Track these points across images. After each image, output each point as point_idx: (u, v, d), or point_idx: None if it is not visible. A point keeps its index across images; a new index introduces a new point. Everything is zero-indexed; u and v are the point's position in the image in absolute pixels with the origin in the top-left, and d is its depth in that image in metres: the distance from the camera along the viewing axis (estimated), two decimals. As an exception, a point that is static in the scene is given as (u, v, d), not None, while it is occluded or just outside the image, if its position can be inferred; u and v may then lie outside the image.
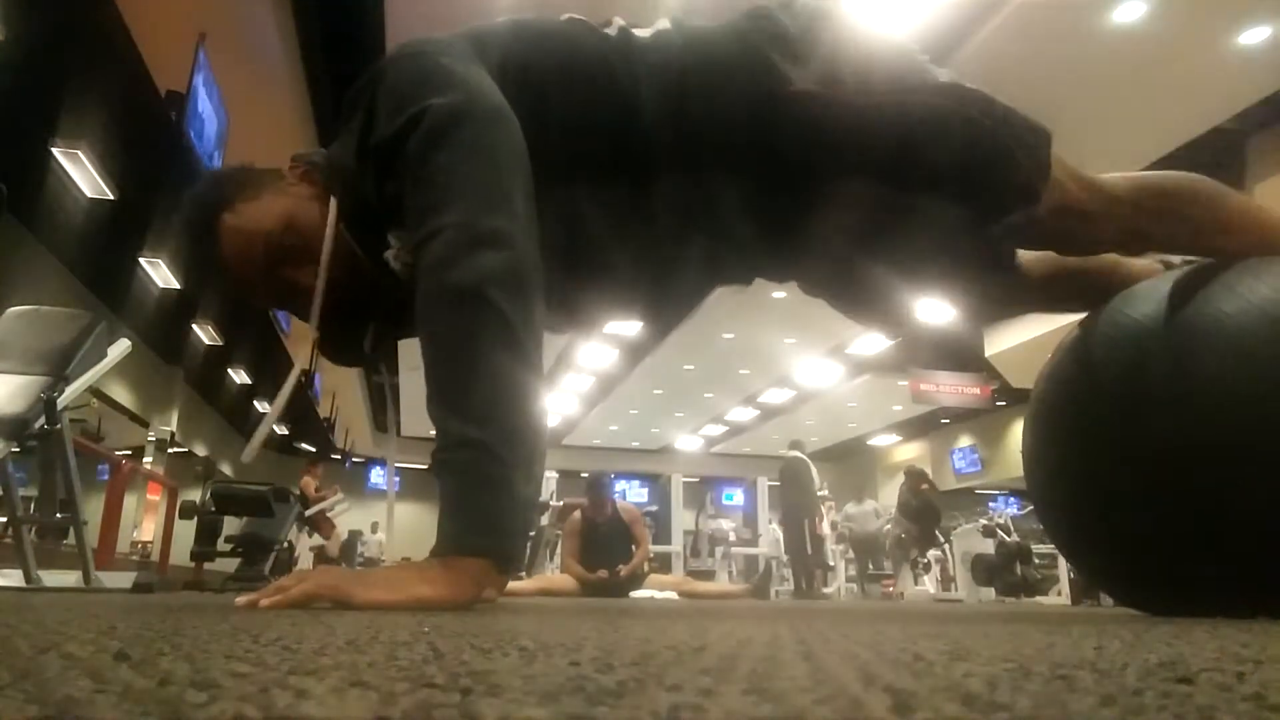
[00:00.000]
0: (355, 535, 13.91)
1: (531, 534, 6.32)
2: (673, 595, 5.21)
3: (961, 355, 12.89)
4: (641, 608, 1.93)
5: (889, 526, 10.25)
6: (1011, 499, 16.16)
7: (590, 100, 1.20)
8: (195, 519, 5.39)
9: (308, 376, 14.18)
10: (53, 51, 6.07)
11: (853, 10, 1.29)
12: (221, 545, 5.36)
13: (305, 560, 8.15)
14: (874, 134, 1.21)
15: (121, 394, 9.47)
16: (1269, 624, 0.95)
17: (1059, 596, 8.50)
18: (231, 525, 5.47)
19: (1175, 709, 0.27)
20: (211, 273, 1.25)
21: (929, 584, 10.46)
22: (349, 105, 1.18)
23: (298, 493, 6.61)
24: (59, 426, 2.72)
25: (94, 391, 6.27)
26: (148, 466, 9.63)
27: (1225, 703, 0.28)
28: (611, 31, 1.26)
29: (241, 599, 0.95)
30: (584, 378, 15.41)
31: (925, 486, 9.83)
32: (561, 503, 7.92)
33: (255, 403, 14.43)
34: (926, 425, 18.42)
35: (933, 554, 10.19)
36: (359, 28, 6.91)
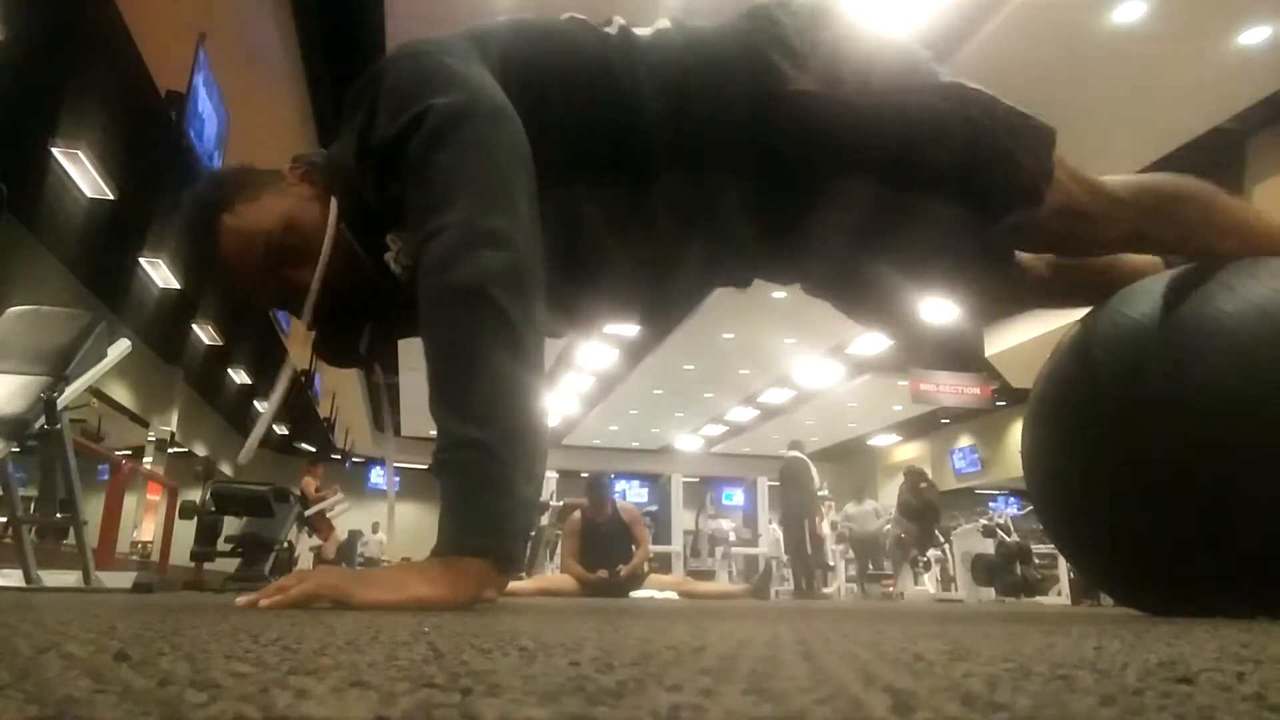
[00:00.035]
0: (355, 535, 13.91)
1: (531, 534, 6.32)
2: (673, 595, 5.21)
3: (961, 355, 12.89)
4: (641, 608, 1.93)
5: (889, 526, 10.25)
6: (1011, 499, 16.16)
7: (590, 100, 1.20)
8: (195, 519, 5.40)
9: (307, 376, 14.20)
10: (53, 51, 6.07)
11: (853, 10, 1.29)
12: (221, 545, 5.37)
13: (305, 560, 8.15)
14: (874, 134, 1.21)
15: (121, 394, 9.48)
16: (1269, 624, 0.95)
17: (1059, 596, 8.51)
18: (231, 525, 5.47)
19: (1175, 709, 0.27)
20: (211, 273, 1.25)
21: (929, 584, 10.46)
22: (349, 105, 1.18)
23: (298, 493, 6.61)
24: (59, 426, 2.72)
25: (94, 391, 6.28)
26: (148, 466, 9.64)
27: (1225, 703, 0.28)
28: (612, 31, 1.26)
29: (241, 599, 0.95)
30: (584, 378, 15.41)
31: (924, 485, 9.83)
32: (561, 503, 7.92)
33: (255, 403, 14.43)
34: (926, 425, 18.42)
35: (932, 553, 10.19)
36: (359, 28, 6.92)
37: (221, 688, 0.28)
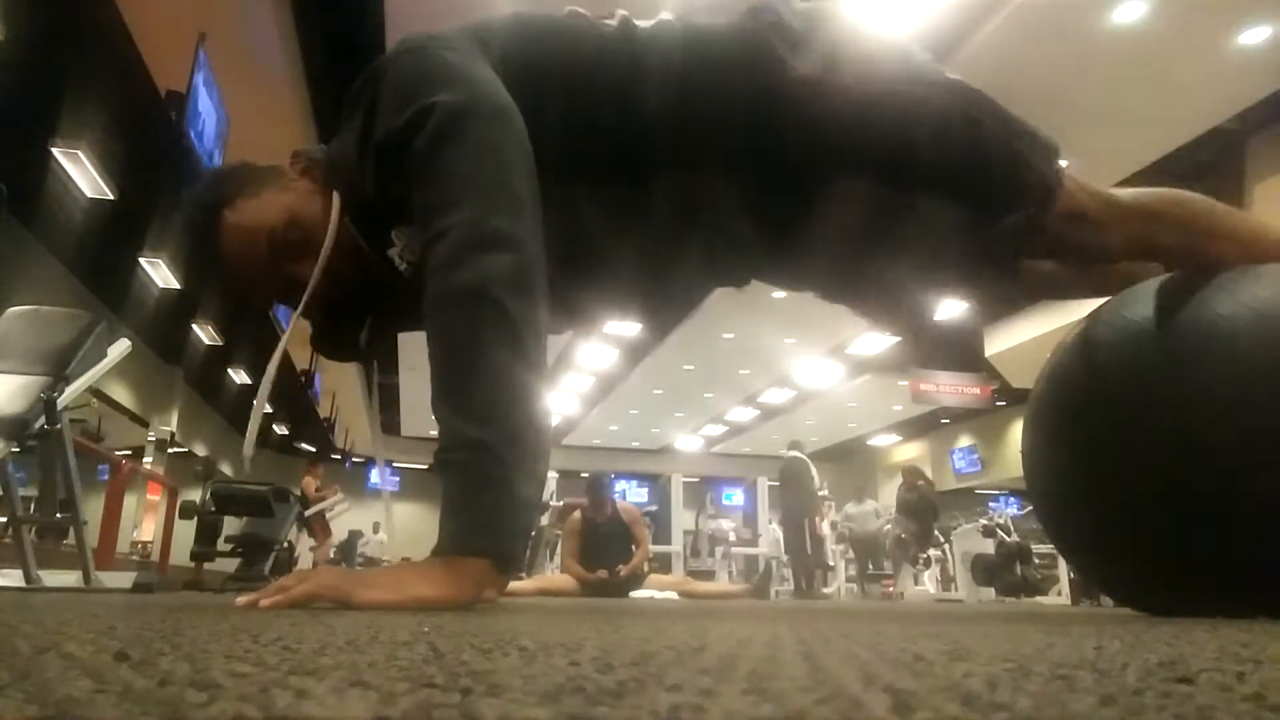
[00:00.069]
0: (355, 535, 13.91)
1: (532, 534, 6.32)
2: (673, 595, 5.20)
3: (962, 355, 12.90)
4: (641, 608, 1.93)
5: (889, 526, 10.25)
6: (1011, 499, 16.16)
7: (590, 98, 1.20)
8: (195, 519, 5.39)
9: (308, 377, 14.20)
10: (53, 51, 6.07)
11: (854, 10, 1.30)
12: (221, 545, 5.36)
13: (305, 560, 8.15)
14: (876, 128, 1.21)
15: (121, 394, 9.47)
16: (1269, 624, 0.95)
17: (1059, 596, 8.51)
18: (231, 525, 5.47)
19: (1175, 709, 0.27)
20: (211, 272, 1.24)
21: (929, 584, 10.45)
22: (351, 100, 1.18)
23: (298, 493, 6.61)
24: (59, 426, 2.72)
25: (94, 391, 6.26)
26: (148, 466, 9.63)
27: (1225, 703, 0.28)
28: (613, 23, 1.26)
29: (242, 599, 0.95)
30: (584, 378, 15.41)
31: (921, 482, 9.84)
32: (561, 503, 7.92)
33: (255, 404, 14.41)
34: (926, 425, 18.43)
35: (932, 553, 10.19)
36: (359, 28, 6.92)
37: (221, 688, 0.28)
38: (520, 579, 5.23)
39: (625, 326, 11.59)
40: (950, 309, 10.68)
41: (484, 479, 0.96)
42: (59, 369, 2.75)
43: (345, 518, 9.09)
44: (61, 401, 2.72)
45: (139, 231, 8.29)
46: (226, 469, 13.54)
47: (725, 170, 1.23)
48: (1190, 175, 7.73)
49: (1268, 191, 7.67)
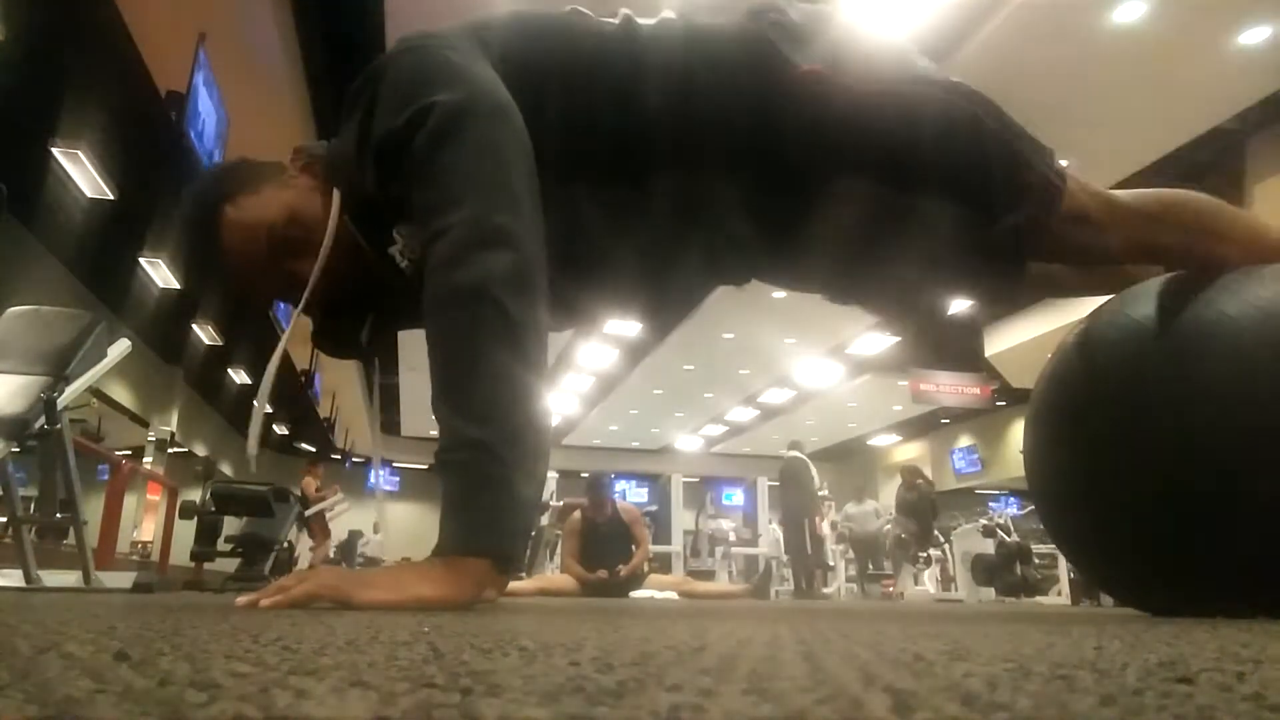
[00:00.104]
0: (355, 535, 13.91)
1: (532, 534, 6.32)
2: (673, 595, 5.20)
3: (962, 355, 12.90)
4: (641, 608, 1.93)
5: (889, 526, 10.25)
6: (1011, 499, 16.16)
7: (591, 96, 1.20)
8: (195, 519, 5.39)
9: (308, 377, 14.20)
10: (53, 51, 6.07)
11: (854, 11, 1.30)
12: (221, 545, 5.36)
13: (305, 561, 8.15)
14: (879, 125, 1.21)
15: (121, 394, 9.47)
16: (1269, 624, 0.95)
17: (1059, 596, 8.51)
18: (231, 525, 5.47)
19: (1175, 709, 0.27)
20: (211, 270, 1.24)
21: (929, 584, 10.45)
22: (351, 98, 1.18)
23: (298, 493, 6.61)
24: (59, 426, 2.72)
25: (94, 391, 6.26)
26: (148, 466, 9.63)
27: (1225, 703, 0.28)
28: (615, 22, 1.25)
29: (242, 599, 0.95)
30: (584, 378, 15.41)
31: (920, 481, 9.85)
32: (561, 503, 7.92)
33: (255, 403, 14.42)
34: (926, 425, 18.43)
35: (932, 552, 10.19)
36: (359, 28, 6.92)
37: (221, 688, 0.28)
38: (520, 579, 5.23)
39: (625, 326, 11.59)
40: (950, 309, 10.68)
41: (484, 479, 0.96)
42: (59, 369, 2.75)
43: (345, 518, 9.09)
44: (61, 401, 2.72)
45: (139, 231, 8.29)
46: (226, 469, 13.55)
47: (726, 170, 1.23)
48: (1190, 175, 7.72)
49: (1268, 191, 7.67)
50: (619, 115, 1.20)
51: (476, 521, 0.96)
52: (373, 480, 15.47)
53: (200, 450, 12.67)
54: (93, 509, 3.92)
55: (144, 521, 12.01)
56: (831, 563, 10.07)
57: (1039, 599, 8.11)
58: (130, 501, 9.08)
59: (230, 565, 5.28)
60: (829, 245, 1.31)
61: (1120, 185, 1.41)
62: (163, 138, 6.86)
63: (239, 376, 13.61)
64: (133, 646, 0.42)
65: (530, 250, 1.04)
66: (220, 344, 11.75)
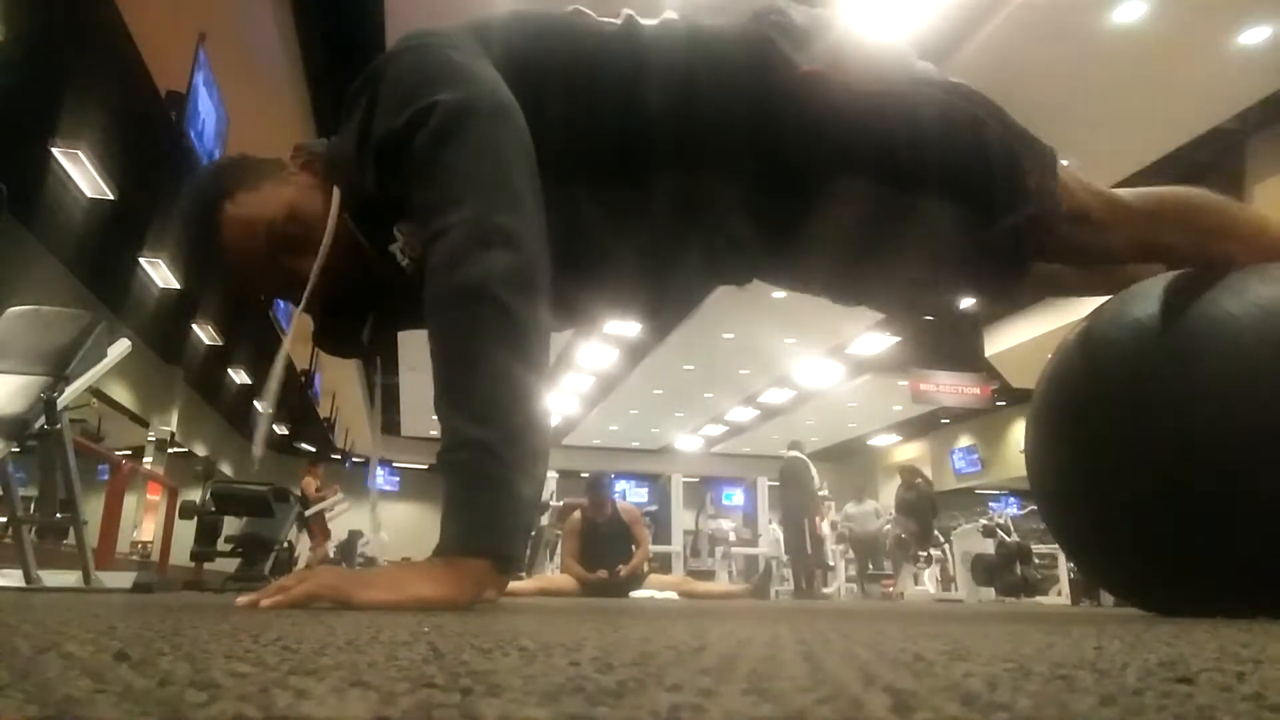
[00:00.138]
0: (355, 535, 13.90)
1: (532, 534, 6.32)
2: (673, 595, 5.20)
3: (962, 355, 12.90)
4: (641, 608, 1.93)
5: (889, 526, 10.25)
6: (1011, 499, 16.17)
7: (592, 96, 1.19)
8: (195, 519, 5.39)
9: (308, 377, 14.19)
10: (53, 51, 6.08)
11: (854, 10, 1.30)
12: (221, 545, 5.36)
13: (305, 561, 8.15)
14: (880, 126, 1.21)
15: (121, 394, 9.47)
16: (1269, 624, 0.95)
17: (1059, 596, 8.51)
18: (231, 525, 5.47)
19: (1175, 709, 0.27)
20: (211, 268, 1.25)
21: (929, 584, 10.45)
22: (352, 96, 1.17)
23: (298, 493, 6.61)
24: (59, 426, 2.72)
25: (94, 391, 6.26)
26: (148, 466, 9.63)
27: (1225, 703, 0.28)
28: (617, 22, 1.25)
29: (242, 599, 0.95)
30: (584, 378, 15.41)
31: (919, 480, 9.85)
32: (561, 503, 7.92)
33: (255, 403, 14.44)
34: (926, 425, 18.44)
35: (932, 552, 10.19)
36: (359, 28, 6.93)
37: (221, 688, 0.28)
38: (520, 579, 5.23)
39: (625, 326, 11.60)
40: (957, 307, 10.68)
41: (484, 479, 0.96)
42: (59, 369, 2.75)
43: (345, 518, 9.08)
44: (61, 401, 2.72)
45: (139, 231, 8.29)
46: (226, 469, 13.55)
47: (727, 170, 1.23)
48: (1190, 175, 7.73)
49: (1268, 191, 7.67)
50: (620, 115, 1.19)
51: (476, 521, 0.96)
52: (382, 480, 15.47)
53: (200, 450, 12.68)
54: (93, 509, 3.92)
55: (144, 521, 12.01)
56: (831, 563, 10.07)
57: (1039, 599, 8.11)
58: (130, 501, 9.08)
59: (230, 565, 5.28)
60: (829, 245, 1.31)
61: (1120, 185, 1.41)
62: (163, 138, 6.86)
63: (239, 376, 13.62)
64: (133, 646, 0.42)
65: (532, 250, 1.04)
66: (220, 344, 11.75)
